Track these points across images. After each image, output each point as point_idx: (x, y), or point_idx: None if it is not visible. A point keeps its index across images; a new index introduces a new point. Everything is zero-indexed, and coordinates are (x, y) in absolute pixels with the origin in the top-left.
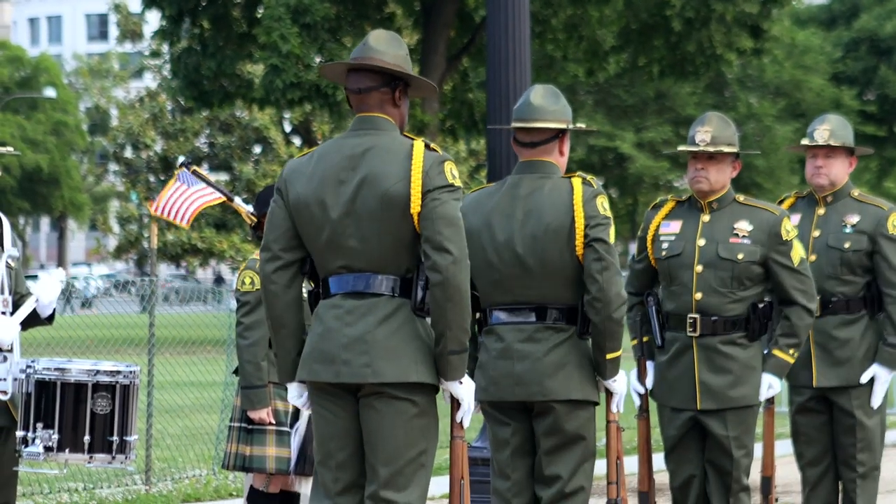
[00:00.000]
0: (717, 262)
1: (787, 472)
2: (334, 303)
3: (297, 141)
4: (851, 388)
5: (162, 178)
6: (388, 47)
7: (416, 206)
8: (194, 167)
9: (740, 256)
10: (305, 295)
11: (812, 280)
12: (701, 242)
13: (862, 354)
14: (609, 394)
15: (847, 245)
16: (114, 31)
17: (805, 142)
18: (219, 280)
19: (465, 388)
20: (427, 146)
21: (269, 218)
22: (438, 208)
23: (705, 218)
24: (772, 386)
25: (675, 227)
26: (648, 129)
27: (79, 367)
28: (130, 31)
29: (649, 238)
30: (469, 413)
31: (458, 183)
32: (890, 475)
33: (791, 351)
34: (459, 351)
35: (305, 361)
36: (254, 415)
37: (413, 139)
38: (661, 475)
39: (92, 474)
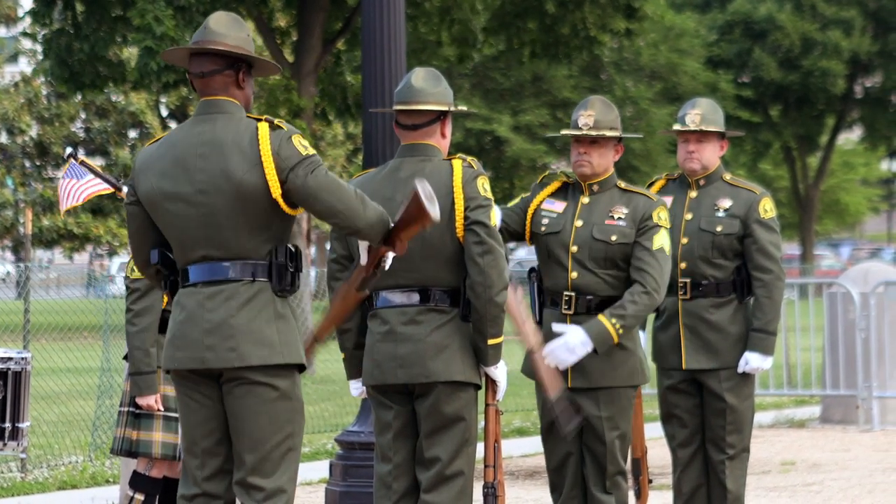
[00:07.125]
0: (591, 244)
1: (656, 455)
2: (194, 290)
3: (173, 126)
4: (721, 370)
5: (38, 163)
6: (229, 30)
7: (276, 191)
8: (82, 158)
9: (614, 238)
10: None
11: (664, 272)
12: (578, 223)
13: (732, 338)
14: (490, 379)
15: (719, 229)
16: None
17: (677, 127)
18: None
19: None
20: (271, 125)
21: (129, 229)
22: (310, 181)
23: (584, 200)
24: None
25: (559, 206)
26: (525, 112)
27: None
28: (4, 16)
29: (531, 210)
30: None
31: (310, 151)
32: (765, 455)
33: (613, 321)
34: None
35: (167, 349)
36: (142, 401)
37: (258, 120)
38: (538, 458)
39: None
